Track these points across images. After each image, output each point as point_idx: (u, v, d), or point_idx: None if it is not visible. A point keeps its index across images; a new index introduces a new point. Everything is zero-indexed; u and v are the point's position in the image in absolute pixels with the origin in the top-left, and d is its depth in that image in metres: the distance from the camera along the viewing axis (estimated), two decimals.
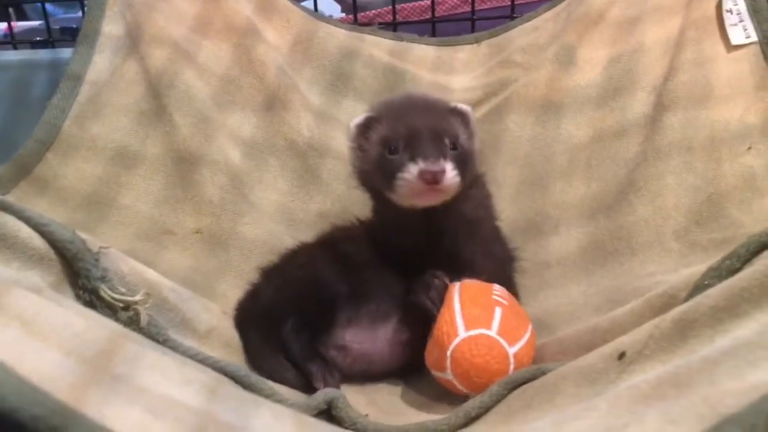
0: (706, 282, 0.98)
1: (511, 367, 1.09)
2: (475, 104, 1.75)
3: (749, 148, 1.41)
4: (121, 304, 0.92)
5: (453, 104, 1.29)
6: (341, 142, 1.68)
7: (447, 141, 1.18)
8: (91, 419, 0.54)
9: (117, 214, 1.45)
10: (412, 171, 1.13)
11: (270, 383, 1.02)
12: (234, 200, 1.53)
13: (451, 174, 1.14)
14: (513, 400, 1.00)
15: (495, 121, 1.70)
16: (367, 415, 1.05)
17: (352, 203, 1.61)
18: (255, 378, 1.00)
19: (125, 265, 0.99)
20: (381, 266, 1.31)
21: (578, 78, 1.66)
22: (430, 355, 1.17)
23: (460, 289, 1.19)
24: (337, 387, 1.17)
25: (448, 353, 1.12)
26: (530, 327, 1.16)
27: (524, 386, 1.00)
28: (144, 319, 0.94)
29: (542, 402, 0.91)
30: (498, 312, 1.13)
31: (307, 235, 1.52)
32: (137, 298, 0.93)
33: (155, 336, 0.95)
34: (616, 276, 1.40)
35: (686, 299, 0.99)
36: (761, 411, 0.48)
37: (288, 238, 1.53)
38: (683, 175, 1.44)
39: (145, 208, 1.48)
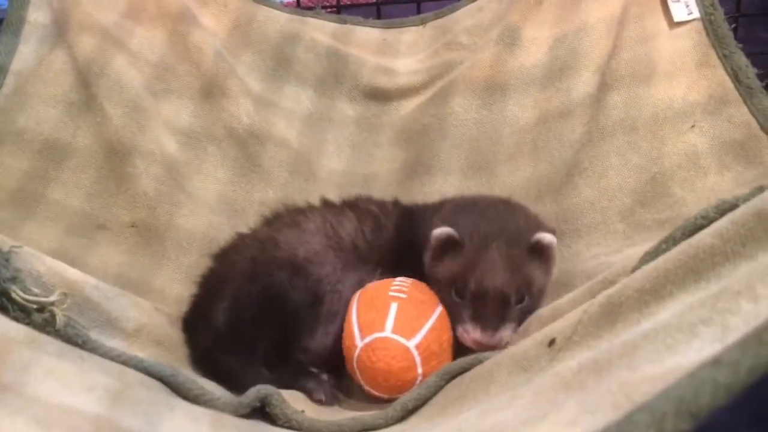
0: (642, 267, 0.97)
1: (417, 359, 1.08)
2: (420, 88, 1.73)
3: (692, 126, 1.40)
4: (34, 306, 0.87)
5: (536, 237, 1.19)
6: (283, 129, 1.64)
7: (513, 300, 1.14)
8: None
9: (45, 210, 1.39)
10: (469, 332, 1.12)
11: (200, 383, 0.99)
12: (170, 192, 1.48)
13: (507, 339, 1.12)
14: (450, 390, 0.99)
15: (440, 105, 1.67)
16: (303, 411, 1.02)
17: (296, 191, 1.57)
18: (183, 377, 0.97)
19: (41, 264, 0.95)
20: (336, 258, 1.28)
21: (523, 59, 1.64)
22: (349, 371, 1.16)
23: (358, 297, 1.18)
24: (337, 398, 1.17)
25: (354, 365, 1.12)
26: (437, 309, 1.15)
27: (461, 376, 0.98)
28: (60, 320, 0.89)
29: (477, 391, 0.89)
30: (393, 308, 1.12)
31: (249, 224, 1.47)
32: (52, 298, 0.88)
33: (73, 338, 0.90)
34: (563, 259, 1.38)
35: None
36: (672, 397, 0.46)
37: (229, 230, 1.48)
38: (627, 155, 1.42)
39: (76, 202, 1.42)
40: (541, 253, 1.19)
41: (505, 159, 1.57)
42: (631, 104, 1.46)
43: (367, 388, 1.13)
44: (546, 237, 1.19)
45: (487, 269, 1.14)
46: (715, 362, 0.45)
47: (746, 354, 0.44)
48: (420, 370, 1.08)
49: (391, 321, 1.10)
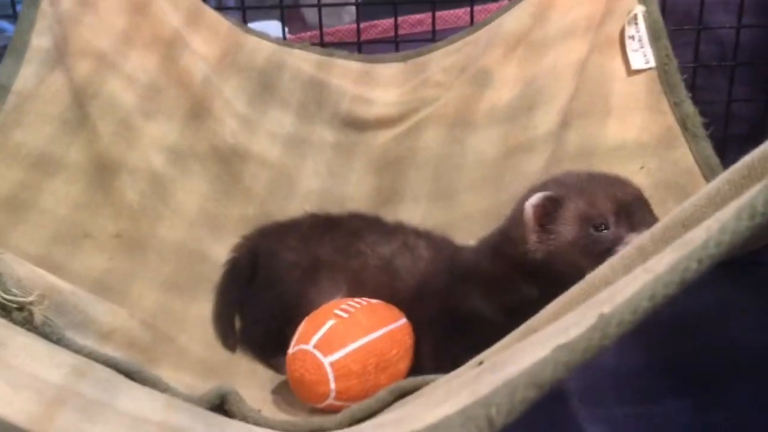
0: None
1: (331, 375, 1.15)
2: (397, 120, 1.83)
3: (642, 167, 1.50)
4: (14, 305, 0.97)
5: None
6: (265, 149, 1.76)
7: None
8: None
9: (36, 217, 1.49)
10: None
11: (165, 380, 1.08)
12: (154, 205, 1.59)
13: None
14: (396, 407, 1.06)
15: (415, 138, 1.78)
16: (260, 411, 1.11)
17: (274, 208, 1.69)
18: (149, 374, 1.05)
19: (21, 268, 1.04)
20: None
21: (495, 99, 1.75)
22: None
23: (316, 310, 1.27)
24: None
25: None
26: (375, 333, 1.22)
27: (408, 396, 1.06)
28: (38, 318, 0.99)
29: (416, 405, 0.97)
30: (327, 326, 1.20)
31: (228, 238, 1.61)
32: (30, 299, 0.98)
33: (49, 335, 1.00)
34: None
35: None
36: (523, 374, 0.58)
37: (208, 242, 1.61)
38: None
39: (64, 212, 1.52)
40: None
41: (469, 188, 1.68)
42: (587, 141, 1.56)
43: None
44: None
45: (612, 188, 1.16)
46: (559, 347, 0.57)
47: (582, 338, 0.56)
48: (333, 386, 1.16)
49: (318, 336, 1.18)
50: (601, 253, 1.09)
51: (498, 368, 0.70)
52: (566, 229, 1.17)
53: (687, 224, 0.70)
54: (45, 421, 0.64)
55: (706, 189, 0.74)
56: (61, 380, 0.73)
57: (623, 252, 0.78)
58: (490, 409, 0.57)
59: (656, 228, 0.76)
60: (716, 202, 0.70)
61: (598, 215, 1.14)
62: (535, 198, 1.18)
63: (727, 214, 0.57)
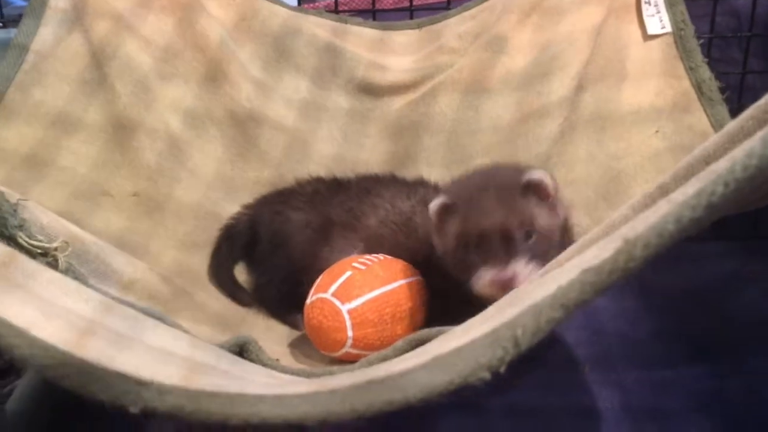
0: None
1: (348, 322, 1.17)
2: (411, 86, 1.83)
3: (657, 131, 1.51)
4: (39, 251, 0.99)
5: (526, 178, 1.20)
6: (280, 114, 1.77)
7: (518, 235, 1.15)
8: None
9: (55, 174, 1.51)
10: (484, 277, 1.13)
11: (186, 327, 1.10)
12: (171, 166, 1.61)
13: (525, 272, 1.11)
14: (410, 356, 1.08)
15: (429, 103, 1.78)
16: (278, 360, 1.12)
17: (288, 171, 1.70)
18: (171, 321, 1.06)
19: (45, 217, 1.06)
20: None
21: (509, 65, 1.75)
22: None
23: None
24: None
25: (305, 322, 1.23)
26: (390, 285, 1.23)
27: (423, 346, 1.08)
28: (62, 264, 1.01)
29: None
30: (344, 276, 1.21)
31: (243, 200, 1.62)
32: (55, 244, 1.00)
33: None
34: None
35: None
36: (549, 296, 0.59)
37: (224, 204, 1.63)
38: (595, 152, 1.54)
39: (83, 170, 1.54)
40: (537, 191, 1.20)
41: (484, 154, 1.69)
42: (602, 105, 1.58)
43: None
44: (536, 173, 1.20)
45: (483, 212, 1.16)
46: (586, 270, 0.57)
47: (607, 261, 0.57)
48: (350, 333, 1.17)
49: (336, 286, 1.20)
50: (465, 270, 1.16)
51: (518, 301, 0.71)
52: (449, 238, 1.22)
53: (709, 161, 0.71)
54: (77, 347, 0.65)
55: (728, 128, 0.74)
56: (90, 314, 0.75)
57: (644, 192, 0.79)
58: (516, 330, 0.57)
59: (679, 166, 0.77)
60: (739, 139, 0.70)
61: (467, 236, 1.17)
62: (434, 203, 1.23)
63: (752, 141, 0.57)
